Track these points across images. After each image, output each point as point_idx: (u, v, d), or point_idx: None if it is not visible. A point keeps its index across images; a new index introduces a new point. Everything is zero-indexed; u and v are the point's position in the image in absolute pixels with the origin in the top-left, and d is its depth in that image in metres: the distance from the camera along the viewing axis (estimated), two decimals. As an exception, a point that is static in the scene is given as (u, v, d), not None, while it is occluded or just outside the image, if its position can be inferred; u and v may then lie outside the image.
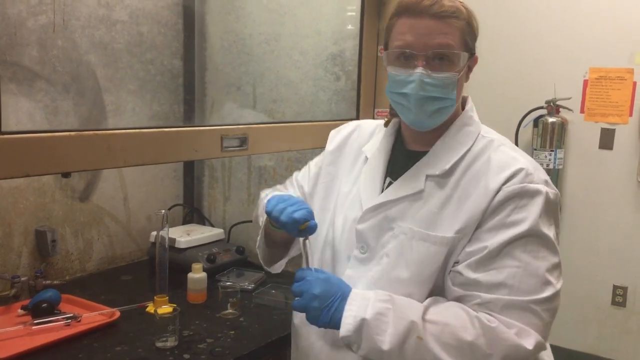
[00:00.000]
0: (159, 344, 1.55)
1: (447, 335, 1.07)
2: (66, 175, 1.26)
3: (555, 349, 1.36)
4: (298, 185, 1.51)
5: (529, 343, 1.06)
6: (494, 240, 1.10)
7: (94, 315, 1.68)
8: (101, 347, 1.41)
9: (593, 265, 3.13)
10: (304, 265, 1.22)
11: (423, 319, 1.09)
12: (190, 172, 2.54)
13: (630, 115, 2.95)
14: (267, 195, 1.42)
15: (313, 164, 1.49)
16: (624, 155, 2.98)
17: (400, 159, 1.29)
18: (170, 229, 1.98)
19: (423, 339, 1.06)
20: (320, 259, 1.33)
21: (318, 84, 2.20)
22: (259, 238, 1.42)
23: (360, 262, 1.24)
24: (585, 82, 2.98)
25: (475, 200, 1.14)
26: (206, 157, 2.13)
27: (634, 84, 3.03)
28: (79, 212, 2.13)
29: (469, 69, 1.22)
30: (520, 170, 1.13)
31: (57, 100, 1.96)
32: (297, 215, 1.19)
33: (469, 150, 1.21)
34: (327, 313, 1.13)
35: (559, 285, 1.12)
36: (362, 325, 1.09)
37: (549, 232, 1.12)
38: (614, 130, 2.96)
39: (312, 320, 1.15)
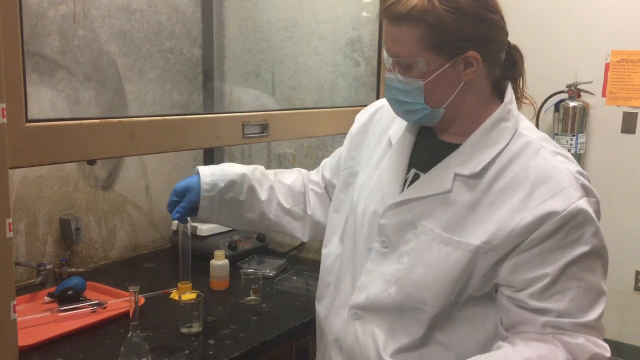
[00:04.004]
0: (183, 330, 1.57)
1: None
2: (92, 162, 1.27)
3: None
4: (322, 173, 1.52)
5: (605, 350, 1.08)
6: (554, 266, 1.05)
7: (119, 302, 1.70)
8: (127, 333, 1.41)
9: (615, 251, 3.09)
10: None
11: None
12: (210, 160, 2.55)
13: (654, 98, 2.91)
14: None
15: (338, 151, 1.49)
16: (647, 139, 2.94)
17: (428, 149, 1.23)
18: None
19: None
20: (341, 248, 1.33)
21: (337, 70, 2.20)
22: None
23: (381, 256, 1.20)
24: (607, 65, 2.94)
25: (512, 213, 1.07)
26: (228, 144, 2.14)
27: (658, 66, 2.97)
28: (102, 200, 2.15)
29: (467, 67, 1.10)
30: (565, 187, 1.06)
31: (78, 90, 1.98)
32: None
33: (503, 150, 1.12)
34: None
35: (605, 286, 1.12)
36: None
37: (598, 241, 1.08)
38: (636, 114, 2.92)
39: None
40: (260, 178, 1.48)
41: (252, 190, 1.45)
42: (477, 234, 1.09)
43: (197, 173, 1.44)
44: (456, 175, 1.13)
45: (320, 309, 1.36)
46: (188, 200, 1.41)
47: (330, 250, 1.37)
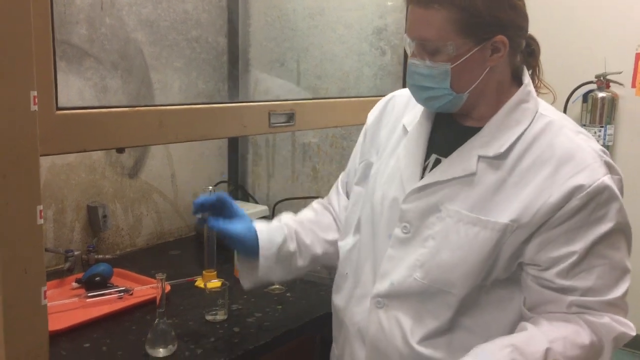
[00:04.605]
0: (208, 317, 1.58)
1: (569, 347, 1.05)
2: (121, 150, 1.28)
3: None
4: (342, 185, 1.49)
5: (630, 329, 1.11)
6: (581, 243, 1.06)
7: (145, 289, 1.72)
8: (153, 320, 1.43)
9: (643, 244, 3.06)
10: None
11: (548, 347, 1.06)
12: (235, 149, 2.56)
13: (686, 89, 2.84)
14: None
15: (352, 155, 1.47)
16: (678, 131, 2.88)
17: (448, 133, 1.22)
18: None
19: None
20: (357, 238, 1.32)
21: (363, 59, 2.18)
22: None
23: (402, 242, 1.20)
24: (637, 56, 2.89)
25: (539, 190, 1.07)
26: (254, 133, 2.14)
27: (690, 56, 2.90)
28: (128, 188, 2.17)
29: (494, 52, 1.10)
30: (590, 164, 1.07)
31: (106, 78, 1.99)
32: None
33: (525, 130, 1.13)
34: None
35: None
36: None
37: (622, 218, 1.09)
38: (667, 105, 2.86)
39: None
40: (295, 223, 1.42)
41: (297, 235, 1.39)
42: (505, 213, 1.09)
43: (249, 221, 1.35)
44: (480, 157, 1.14)
45: (339, 300, 1.35)
46: (236, 244, 1.32)
47: (347, 241, 1.36)
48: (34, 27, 1.00)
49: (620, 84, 2.98)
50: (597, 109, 2.97)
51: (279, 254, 1.33)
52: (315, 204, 1.52)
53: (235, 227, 1.29)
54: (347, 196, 1.46)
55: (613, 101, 2.96)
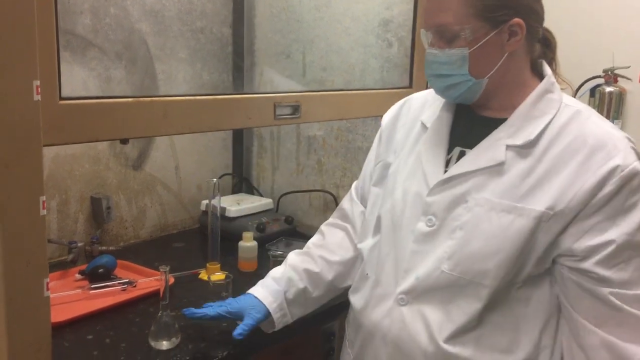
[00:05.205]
0: (212, 310, 1.57)
1: None
2: (124, 141, 1.27)
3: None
4: (356, 192, 1.49)
5: None
6: (617, 231, 1.04)
7: (149, 281, 1.71)
8: (157, 312, 1.43)
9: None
10: None
11: None
12: (240, 141, 2.55)
13: (695, 84, 2.82)
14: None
15: (366, 161, 1.47)
16: (687, 126, 2.86)
17: (469, 125, 1.22)
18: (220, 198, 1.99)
19: None
20: (379, 235, 1.30)
21: (369, 51, 2.16)
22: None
23: (426, 236, 1.17)
24: (647, 50, 2.86)
25: (574, 177, 1.06)
26: (259, 125, 2.13)
27: (700, 50, 2.87)
28: (132, 180, 2.16)
29: (511, 36, 1.11)
30: (622, 150, 1.06)
31: (110, 69, 1.98)
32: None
33: (552, 120, 1.12)
34: None
35: None
36: None
37: None
38: (676, 100, 2.84)
39: None
40: (302, 258, 1.44)
41: (306, 270, 1.41)
42: (540, 200, 1.08)
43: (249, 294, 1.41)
44: (508, 146, 1.13)
45: (357, 300, 1.33)
46: (254, 319, 1.34)
47: (367, 242, 1.34)
48: (38, 16, 0.99)
49: (628, 79, 2.94)
50: (604, 103, 2.93)
51: (287, 298, 1.38)
52: (323, 226, 1.52)
53: (253, 319, 1.34)
54: (362, 202, 1.46)
55: (621, 96, 2.93)
